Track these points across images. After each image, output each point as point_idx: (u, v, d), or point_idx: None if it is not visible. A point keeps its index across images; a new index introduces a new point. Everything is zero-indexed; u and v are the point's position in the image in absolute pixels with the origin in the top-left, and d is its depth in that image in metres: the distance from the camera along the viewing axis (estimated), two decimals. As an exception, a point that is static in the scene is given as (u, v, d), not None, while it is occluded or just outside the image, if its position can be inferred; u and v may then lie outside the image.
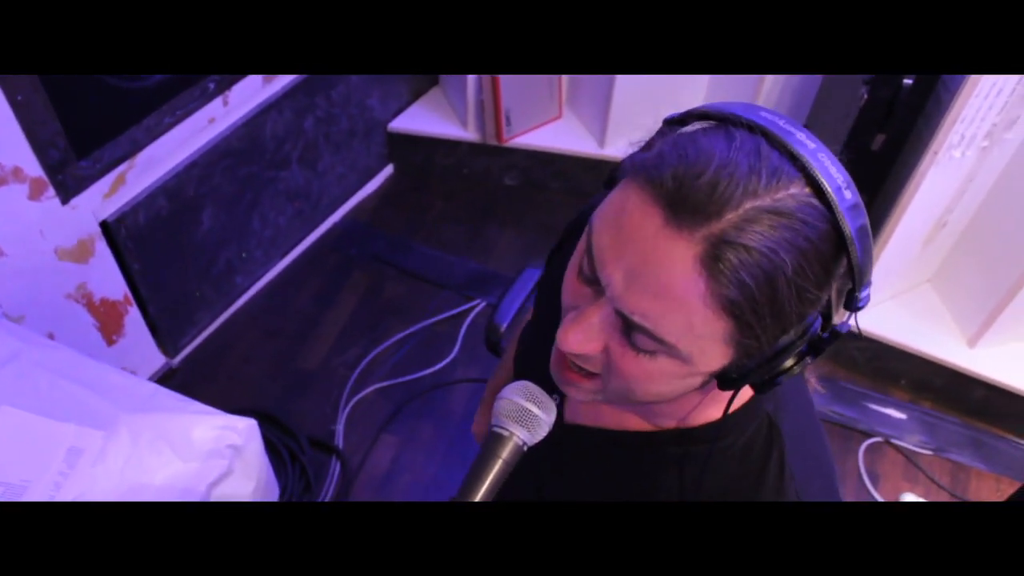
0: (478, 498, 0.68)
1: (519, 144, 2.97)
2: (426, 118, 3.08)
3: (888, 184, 2.16)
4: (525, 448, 0.71)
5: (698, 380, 0.68)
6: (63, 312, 2.07)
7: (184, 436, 1.29)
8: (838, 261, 0.61)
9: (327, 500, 2.20)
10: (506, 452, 0.70)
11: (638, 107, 2.66)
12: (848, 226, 0.60)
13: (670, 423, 0.80)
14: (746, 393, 0.74)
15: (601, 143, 2.86)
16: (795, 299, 0.60)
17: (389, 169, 3.19)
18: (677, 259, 0.59)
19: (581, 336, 0.66)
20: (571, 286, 0.70)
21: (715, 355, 0.64)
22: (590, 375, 0.71)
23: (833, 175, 0.60)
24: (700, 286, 0.59)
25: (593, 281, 0.66)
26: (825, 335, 0.64)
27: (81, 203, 1.99)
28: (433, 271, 2.82)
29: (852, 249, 0.60)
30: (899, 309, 2.43)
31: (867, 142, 2.03)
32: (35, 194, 1.86)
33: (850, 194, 0.61)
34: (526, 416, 0.71)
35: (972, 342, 2.32)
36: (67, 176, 1.91)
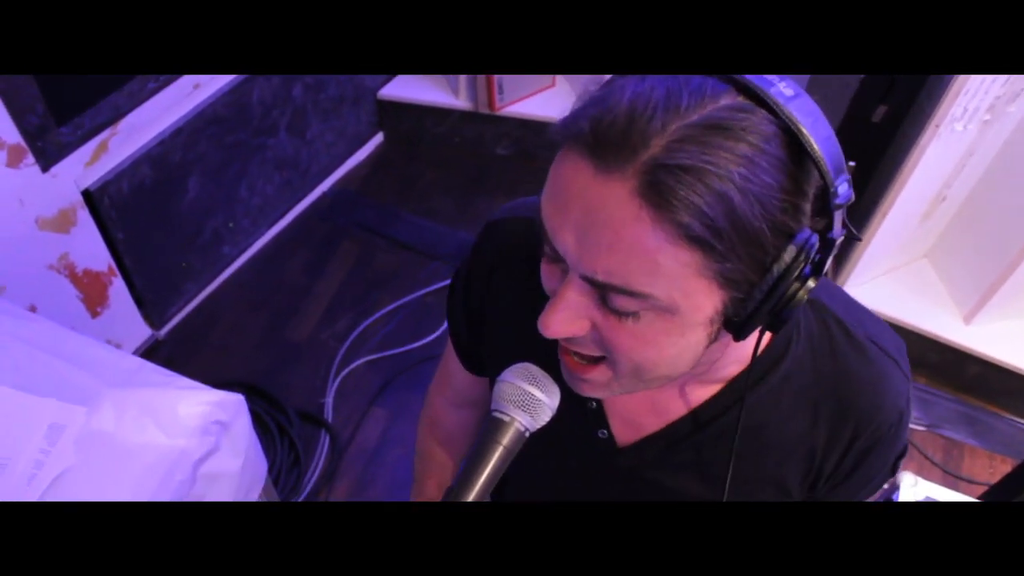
0: (477, 487, 0.65)
1: (511, 113, 2.92)
2: (417, 85, 3.03)
3: (888, 157, 2.12)
4: (527, 434, 0.68)
5: (701, 333, 0.64)
6: (45, 283, 2.02)
7: (170, 412, 1.26)
8: (799, 160, 0.57)
9: (316, 474, 2.18)
10: (507, 438, 0.67)
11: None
12: (797, 119, 0.56)
13: (733, 371, 0.78)
14: None
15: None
16: (759, 211, 0.56)
17: (379, 137, 3.14)
18: (615, 201, 0.56)
19: (561, 316, 0.64)
20: (545, 271, 0.68)
21: (700, 296, 0.60)
22: (595, 361, 0.68)
23: (766, 78, 0.57)
24: (646, 221, 0.55)
25: (556, 258, 0.64)
26: (815, 246, 0.60)
27: (62, 171, 1.93)
28: (423, 241, 2.79)
29: (808, 142, 0.56)
30: (895, 284, 2.42)
31: (868, 114, 2.00)
32: (13, 161, 1.81)
33: (789, 88, 0.57)
34: (528, 400, 0.68)
35: (968, 318, 2.30)
36: (47, 143, 1.86)
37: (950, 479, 2.24)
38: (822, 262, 0.61)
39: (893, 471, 0.87)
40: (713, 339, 0.65)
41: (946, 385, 2.42)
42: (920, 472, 2.22)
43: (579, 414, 0.84)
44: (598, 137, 0.56)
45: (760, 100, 0.56)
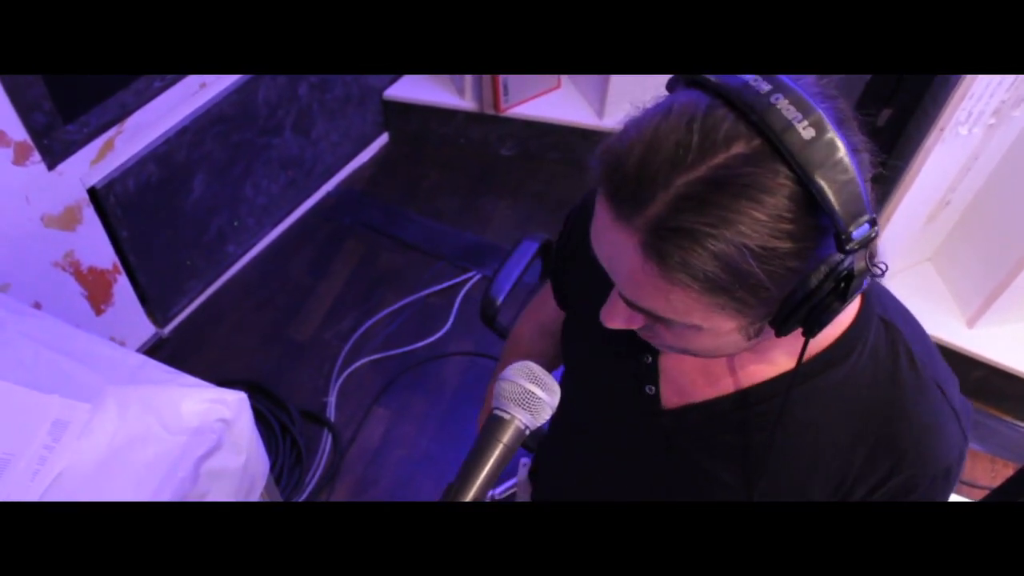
0: (477, 484, 0.66)
1: (517, 114, 2.92)
2: (423, 86, 3.03)
3: (892, 160, 2.12)
4: (527, 432, 0.68)
5: (736, 337, 0.68)
6: (50, 281, 2.03)
7: (173, 409, 1.26)
8: (811, 207, 0.58)
9: (318, 473, 2.18)
10: (507, 436, 0.67)
11: (638, 78, 2.62)
12: (808, 164, 0.56)
13: (791, 361, 0.77)
14: (855, 304, 0.75)
15: (600, 114, 2.82)
16: (756, 263, 0.58)
17: (384, 137, 3.14)
18: (626, 250, 0.61)
19: (614, 314, 0.71)
20: None
21: (719, 318, 0.64)
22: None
23: (787, 115, 0.56)
24: (652, 273, 0.60)
25: None
26: (845, 268, 0.61)
27: (68, 169, 1.94)
28: (428, 242, 2.79)
29: (817, 188, 0.56)
30: (899, 287, 2.39)
31: (872, 117, 2.00)
32: (20, 159, 1.81)
33: (810, 130, 0.56)
34: (529, 399, 0.68)
35: (971, 322, 2.30)
36: (53, 141, 1.86)
37: (952, 483, 2.23)
38: (846, 289, 0.62)
39: None
40: (754, 336, 0.69)
41: (949, 389, 2.41)
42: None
43: (633, 366, 0.87)
44: (612, 186, 0.61)
45: (773, 146, 0.57)
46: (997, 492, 1.79)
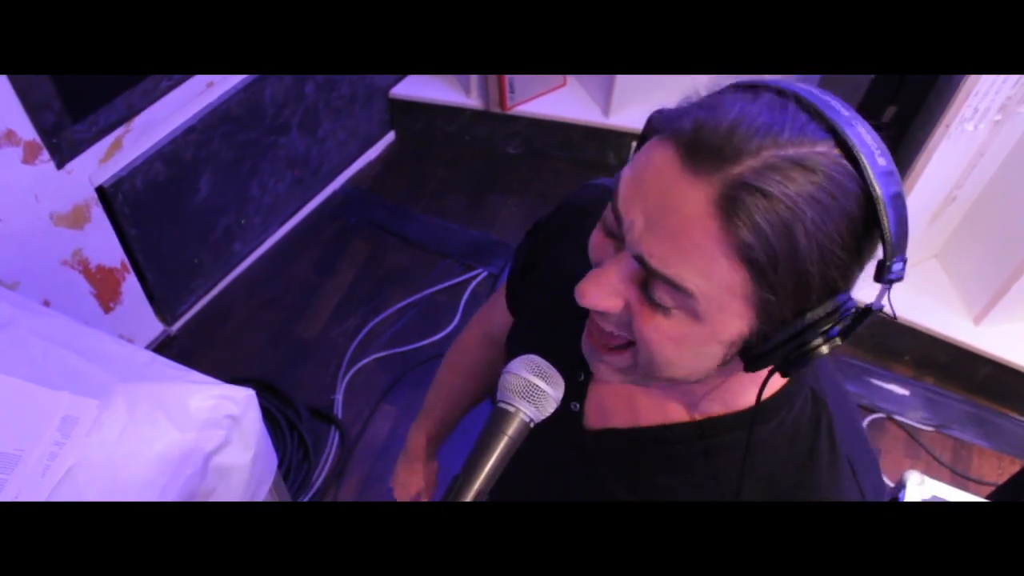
0: (483, 476, 0.66)
1: (522, 112, 2.93)
2: (429, 85, 3.03)
3: (898, 157, 2.12)
4: (531, 425, 0.69)
5: (718, 351, 0.65)
6: (59, 279, 2.04)
7: (181, 405, 1.27)
8: (868, 228, 0.59)
9: (326, 470, 2.19)
10: (512, 429, 0.67)
11: (645, 77, 2.62)
12: (880, 189, 0.58)
13: (715, 409, 0.78)
14: None
15: (606, 112, 2.82)
16: (816, 257, 0.58)
17: (390, 136, 3.15)
18: (692, 201, 0.58)
19: (601, 289, 0.66)
20: (596, 241, 0.70)
21: (733, 316, 0.62)
22: (619, 348, 0.70)
23: (866, 140, 0.59)
24: (715, 228, 0.58)
25: (614, 234, 0.66)
26: (852, 311, 0.62)
27: (76, 167, 1.95)
28: (434, 240, 2.80)
29: (883, 214, 0.58)
30: (904, 284, 2.33)
31: (878, 114, 2.00)
32: (29, 158, 1.83)
33: (884, 160, 0.59)
34: (533, 392, 0.68)
35: (978, 319, 2.30)
36: (62, 140, 1.88)
37: (959, 479, 2.24)
38: (852, 328, 0.62)
39: None
40: (727, 362, 0.67)
41: (955, 386, 2.41)
42: (928, 472, 2.22)
43: (566, 378, 0.84)
44: (696, 139, 0.59)
45: (854, 159, 0.58)
46: (1003, 488, 1.79)
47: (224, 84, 2.31)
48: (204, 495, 1.25)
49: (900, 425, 2.33)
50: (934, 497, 1.65)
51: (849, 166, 0.58)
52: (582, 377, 0.85)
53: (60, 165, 1.90)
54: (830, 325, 0.61)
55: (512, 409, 0.68)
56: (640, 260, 0.62)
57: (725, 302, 0.61)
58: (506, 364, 0.72)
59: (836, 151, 0.58)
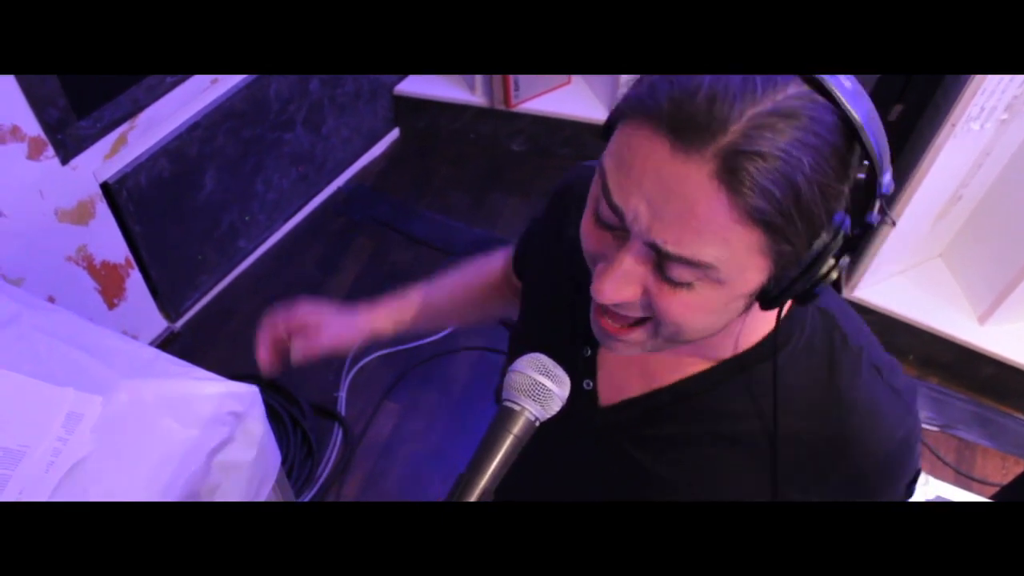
0: (488, 474, 0.66)
1: (527, 109, 2.93)
2: (433, 82, 3.03)
3: (903, 156, 2.12)
4: (537, 423, 0.69)
5: (741, 304, 0.67)
6: (63, 275, 2.04)
7: (185, 402, 1.27)
8: (852, 150, 0.61)
9: (329, 467, 2.19)
10: (517, 427, 0.67)
11: (649, 73, 2.61)
12: (854, 111, 0.59)
13: (726, 352, 0.78)
14: None
15: (610, 109, 2.81)
16: (819, 197, 0.59)
17: (395, 133, 3.15)
18: (693, 181, 0.59)
19: (617, 284, 0.66)
20: (592, 235, 0.69)
21: (753, 271, 0.63)
22: (634, 325, 0.70)
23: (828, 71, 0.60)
24: (723, 202, 0.58)
25: (612, 226, 0.65)
26: (857, 231, 0.64)
27: (81, 163, 1.96)
28: (438, 237, 2.79)
29: (863, 133, 0.59)
30: (909, 283, 2.41)
31: (884, 112, 2.00)
32: (34, 154, 1.83)
33: (849, 82, 0.60)
34: (539, 390, 0.68)
35: (983, 319, 2.29)
36: (67, 136, 1.88)
37: (963, 479, 2.23)
38: (856, 245, 0.64)
39: (907, 495, 0.85)
40: (747, 308, 0.68)
41: (959, 385, 2.41)
42: (932, 472, 2.22)
43: (572, 358, 0.84)
44: (678, 118, 0.58)
45: (824, 91, 0.59)
46: (1007, 489, 1.79)
47: (229, 81, 2.31)
48: (208, 492, 1.25)
49: (904, 424, 2.33)
50: (938, 497, 1.65)
51: (821, 98, 0.59)
52: (588, 352, 0.85)
53: (65, 161, 1.91)
54: (837, 247, 0.63)
55: (518, 408, 0.68)
56: (653, 247, 0.62)
57: (745, 262, 0.62)
58: (511, 361, 0.72)
59: (805, 87, 0.59)
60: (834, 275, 0.64)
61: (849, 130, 0.60)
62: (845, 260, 0.65)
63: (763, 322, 0.76)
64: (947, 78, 1.96)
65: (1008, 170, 2.15)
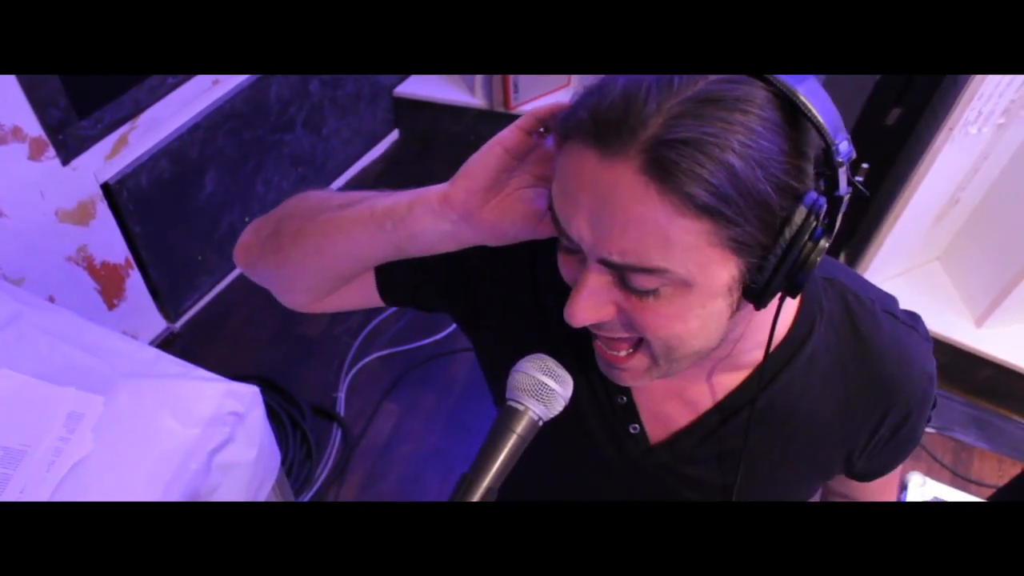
0: (492, 473, 0.66)
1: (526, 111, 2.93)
2: (433, 83, 3.04)
3: (901, 159, 2.13)
4: (540, 423, 0.69)
5: (721, 303, 0.64)
6: (64, 275, 2.05)
7: (185, 402, 1.28)
8: (797, 124, 0.59)
9: (328, 467, 2.20)
10: (521, 427, 0.68)
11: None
12: (786, 81, 0.57)
13: (756, 356, 0.78)
14: None
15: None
16: (761, 173, 0.57)
17: (395, 134, 3.16)
18: (622, 182, 0.58)
19: (585, 303, 0.65)
20: (564, 266, 0.69)
21: (715, 265, 0.61)
22: (633, 352, 0.70)
23: None
24: (654, 196, 0.57)
25: (573, 250, 0.65)
26: (823, 206, 0.61)
27: (82, 164, 1.96)
28: (437, 239, 2.79)
29: (802, 103, 0.57)
30: (907, 286, 2.41)
31: (882, 116, 2.00)
32: (35, 154, 1.83)
33: None
34: (542, 390, 0.69)
35: (980, 321, 2.30)
36: (68, 136, 1.88)
37: (959, 481, 2.24)
38: (832, 222, 0.62)
39: (927, 422, 0.89)
40: (735, 309, 0.66)
41: (956, 388, 2.42)
42: (929, 474, 2.22)
43: (608, 410, 0.84)
44: (598, 123, 0.58)
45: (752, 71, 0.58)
46: (1003, 491, 1.79)
47: (229, 82, 2.32)
48: (208, 492, 1.26)
49: (901, 427, 2.33)
50: (935, 499, 1.65)
51: (747, 78, 0.58)
52: (624, 399, 0.84)
53: (66, 162, 1.91)
54: (811, 228, 0.60)
55: (521, 407, 0.68)
56: (604, 263, 0.62)
57: (700, 258, 0.60)
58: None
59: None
60: (817, 258, 0.62)
61: (787, 104, 0.58)
62: (824, 242, 0.62)
63: (784, 314, 0.73)
64: (945, 82, 1.97)
65: (1005, 174, 2.15)
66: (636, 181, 0.57)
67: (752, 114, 0.57)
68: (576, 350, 0.77)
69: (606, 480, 0.91)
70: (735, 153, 0.56)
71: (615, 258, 0.61)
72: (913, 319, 0.84)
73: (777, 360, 0.78)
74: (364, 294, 0.94)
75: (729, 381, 0.80)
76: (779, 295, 0.66)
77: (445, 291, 0.91)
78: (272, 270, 0.93)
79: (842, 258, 2.45)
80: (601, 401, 0.76)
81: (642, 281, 0.62)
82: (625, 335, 0.69)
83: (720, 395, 0.81)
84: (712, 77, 0.57)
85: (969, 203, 2.26)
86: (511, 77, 2.80)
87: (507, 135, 0.73)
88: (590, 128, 0.59)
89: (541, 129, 0.72)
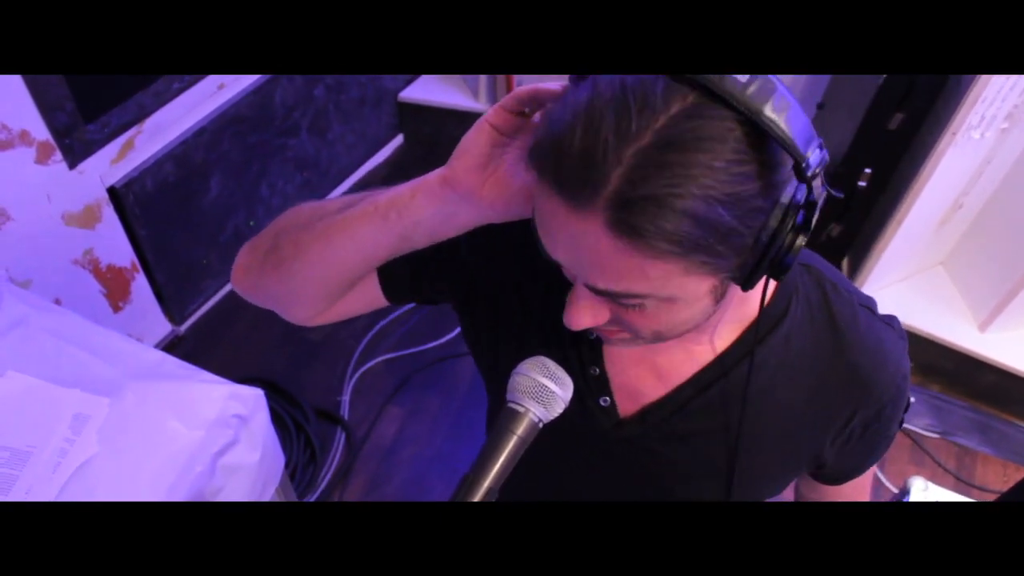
0: (492, 474, 0.67)
1: (530, 116, 2.93)
2: (437, 88, 3.05)
3: (904, 164, 2.13)
4: (540, 425, 0.70)
5: (708, 301, 0.67)
6: (70, 278, 2.06)
7: (190, 405, 1.28)
8: (763, 144, 0.58)
9: (332, 470, 2.20)
10: (521, 428, 0.68)
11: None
12: (750, 102, 0.56)
13: (732, 331, 0.80)
14: None
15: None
16: (726, 211, 0.57)
17: (399, 139, 3.16)
18: (591, 236, 0.59)
19: (580, 314, 0.68)
20: (559, 266, 0.71)
21: (695, 283, 0.63)
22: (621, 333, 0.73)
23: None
24: (626, 250, 0.58)
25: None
26: (800, 200, 0.61)
27: (88, 168, 1.97)
28: (441, 243, 2.80)
29: (769, 128, 0.56)
30: (910, 291, 2.41)
31: (885, 120, 2.00)
32: (42, 158, 1.84)
33: (743, 75, 0.57)
34: (542, 392, 0.69)
35: (983, 326, 2.30)
36: (74, 140, 1.89)
37: (963, 486, 2.24)
38: (808, 220, 0.62)
39: (900, 424, 0.90)
40: (722, 296, 0.69)
41: (960, 393, 2.41)
42: (933, 479, 2.22)
43: (580, 381, 0.84)
44: (561, 178, 0.59)
45: (714, 95, 0.56)
46: (1007, 496, 1.79)
47: (235, 86, 2.33)
48: (212, 494, 1.26)
49: (905, 432, 2.34)
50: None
51: (704, 98, 0.56)
52: (596, 371, 0.85)
53: (72, 165, 1.92)
54: (792, 219, 0.61)
55: (522, 409, 0.69)
56: (589, 287, 0.65)
57: (679, 283, 0.62)
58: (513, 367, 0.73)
59: (691, 97, 0.56)
60: (801, 243, 0.62)
61: (752, 126, 0.57)
62: (806, 232, 0.62)
63: (757, 293, 0.74)
64: (948, 87, 1.97)
65: (1009, 178, 2.15)
66: (605, 236, 0.58)
67: (714, 151, 0.56)
68: (552, 323, 0.78)
69: (576, 455, 0.91)
70: (698, 199, 0.56)
71: (599, 286, 0.64)
72: (889, 318, 0.85)
73: (749, 339, 0.80)
74: (368, 297, 0.94)
75: (702, 356, 0.81)
76: (764, 281, 0.67)
77: (443, 276, 0.91)
78: (276, 286, 0.93)
79: (845, 263, 2.45)
80: (574, 372, 0.77)
81: (628, 300, 0.65)
82: (619, 333, 0.72)
83: (693, 370, 0.82)
84: (672, 111, 0.56)
85: (972, 208, 2.26)
86: (515, 81, 2.81)
87: (491, 114, 0.76)
88: (554, 178, 0.59)
89: (526, 109, 0.74)
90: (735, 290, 0.69)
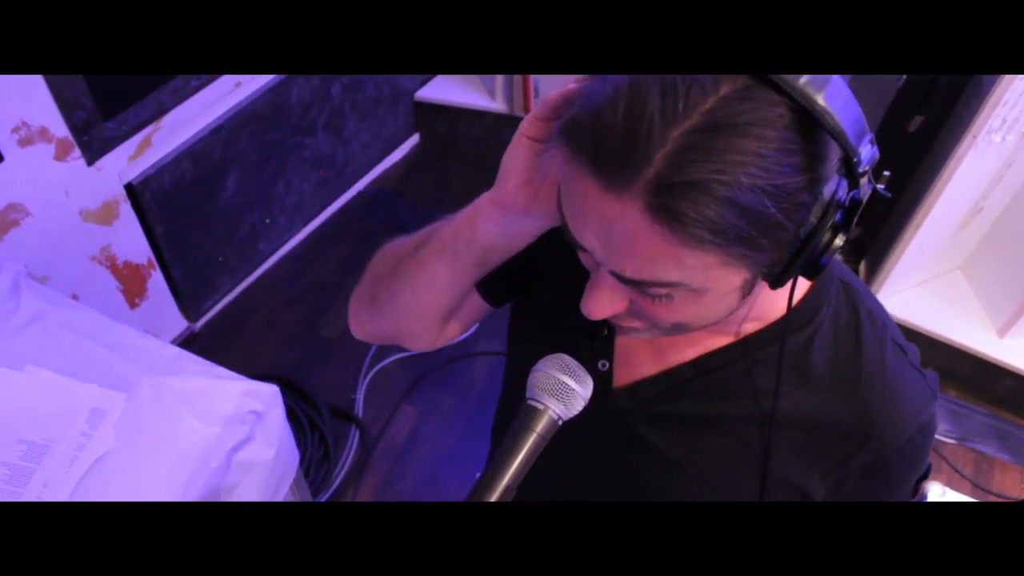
0: (511, 471, 0.66)
1: (546, 116, 2.93)
2: (453, 87, 3.05)
3: (924, 167, 2.11)
4: (560, 422, 0.69)
5: (734, 297, 0.64)
6: (87, 274, 2.07)
7: (206, 400, 1.29)
8: (814, 135, 0.55)
9: (345, 468, 2.21)
10: (540, 426, 0.68)
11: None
12: (805, 89, 0.53)
13: (753, 325, 0.76)
14: None
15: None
16: (771, 202, 0.55)
17: (415, 138, 3.17)
18: (628, 220, 0.56)
19: (600, 303, 0.66)
20: (580, 254, 0.69)
21: (730, 275, 0.60)
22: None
23: None
24: (664, 235, 0.55)
25: (586, 249, 0.64)
26: (845, 197, 0.59)
27: (106, 165, 1.98)
28: (456, 243, 2.80)
29: (821, 117, 0.53)
30: (928, 295, 2.40)
31: (904, 123, 1.99)
32: (61, 154, 1.86)
33: None
34: (562, 390, 0.69)
35: (1002, 332, 2.28)
36: (93, 137, 1.90)
37: (980, 492, 2.22)
38: (849, 218, 0.59)
39: (914, 494, 0.83)
40: (749, 292, 0.65)
41: (978, 398, 2.39)
42: (950, 485, 2.20)
43: (587, 343, 0.83)
44: (599, 156, 0.55)
45: (767, 79, 0.54)
46: (1025, 502, 1.77)
47: (252, 84, 2.34)
48: (227, 490, 1.27)
49: (921, 436, 2.31)
50: (955, 509, 1.64)
51: (758, 84, 0.53)
52: (606, 332, 0.83)
53: (91, 162, 1.93)
54: (832, 216, 0.58)
55: (541, 407, 0.68)
56: (615, 275, 0.62)
57: (713, 274, 0.59)
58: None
59: (740, 81, 0.54)
60: (839, 242, 0.60)
61: (803, 114, 0.54)
62: (845, 231, 0.59)
63: (785, 291, 0.70)
64: (968, 89, 1.95)
65: (1029, 182, 2.14)
66: (642, 220, 0.55)
67: (764, 138, 0.53)
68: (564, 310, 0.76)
69: (582, 421, 0.87)
70: (744, 187, 0.53)
71: (628, 274, 0.61)
72: (931, 375, 0.78)
73: (767, 337, 0.76)
74: (477, 309, 0.99)
75: (713, 341, 0.78)
76: (794, 279, 0.64)
77: (521, 268, 0.92)
78: (386, 329, 0.98)
79: (863, 266, 2.43)
80: (579, 337, 0.75)
81: (655, 290, 0.62)
82: (637, 325, 0.70)
83: (698, 352, 0.79)
84: (724, 91, 0.53)
85: (992, 211, 2.24)
86: (531, 81, 2.80)
87: (526, 125, 0.73)
88: (591, 156, 0.56)
89: (561, 115, 0.72)
90: (761, 286, 0.66)
